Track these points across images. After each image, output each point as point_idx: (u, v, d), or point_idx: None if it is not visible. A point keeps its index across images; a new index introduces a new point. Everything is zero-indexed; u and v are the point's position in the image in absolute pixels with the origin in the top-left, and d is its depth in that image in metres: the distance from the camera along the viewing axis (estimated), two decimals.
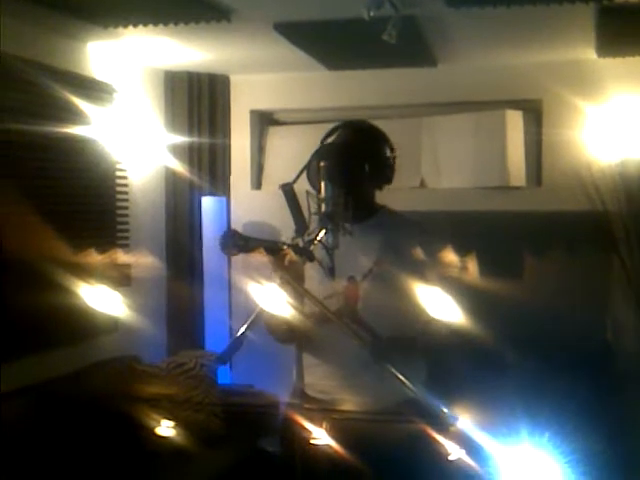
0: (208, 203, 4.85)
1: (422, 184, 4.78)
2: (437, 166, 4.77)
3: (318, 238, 1.95)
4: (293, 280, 1.87)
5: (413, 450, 2.41)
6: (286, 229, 5.05)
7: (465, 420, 2.86)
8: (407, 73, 4.64)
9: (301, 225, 1.97)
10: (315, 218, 2.13)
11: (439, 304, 2.19)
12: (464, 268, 4.07)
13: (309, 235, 1.99)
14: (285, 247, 1.88)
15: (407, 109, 4.80)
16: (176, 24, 3.49)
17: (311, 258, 1.90)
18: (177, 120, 4.77)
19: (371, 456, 2.34)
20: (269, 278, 2.54)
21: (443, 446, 2.34)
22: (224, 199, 4.92)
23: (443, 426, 2.54)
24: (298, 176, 2.35)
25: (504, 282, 4.29)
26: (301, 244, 2.01)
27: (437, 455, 2.17)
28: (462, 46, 4.19)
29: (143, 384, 3.68)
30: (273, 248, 1.91)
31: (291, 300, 2.01)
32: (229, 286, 4.96)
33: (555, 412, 3.86)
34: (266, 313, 2.48)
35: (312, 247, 1.90)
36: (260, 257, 2.00)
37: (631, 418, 4.05)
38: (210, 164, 4.84)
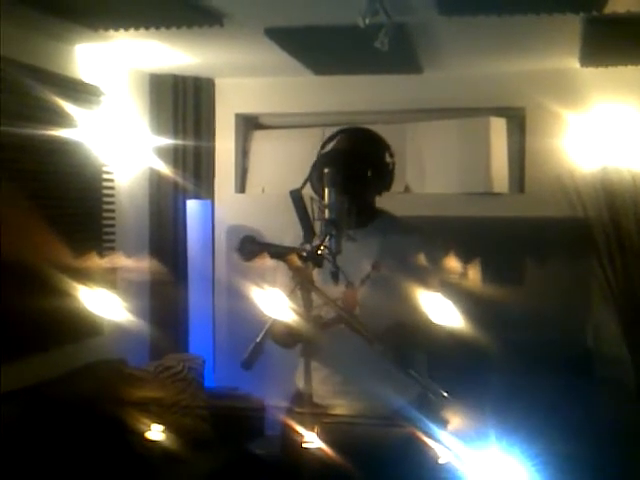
0: (193, 206, 4.85)
1: (407, 189, 4.82)
2: (422, 172, 4.82)
3: (325, 244, 1.96)
4: (309, 285, 1.88)
5: (404, 455, 2.44)
6: (269, 232, 5.07)
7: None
8: (393, 79, 4.68)
9: (308, 231, 1.99)
10: (317, 224, 2.16)
11: (437, 308, 2.22)
12: (463, 274, 4.12)
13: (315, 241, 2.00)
14: (300, 253, 1.88)
15: (392, 115, 4.85)
16: (168, 28, 3.48)
17: (320, 264, 1.92)
18: (162, 123, 4.77)
19: (362, 460, 2.36)
20: (269, 282, 2.57)
21: (433, 450, 2.38)
22: (209, 202, 4.92)
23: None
24: (305, 182, 2.36)
25: (486, 286, 4.34)
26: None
27: (427, 459, 2.21)
28: (448, 54, 4.24)
29: (131, 387, 3.67)
30: (287, 254, 1.92)
31: (299, 305, 2.03)
32: (213, 290, 4.95)
33: (533, 416, 3.94)
34: (269, 318, 2.50)
35: (320, 253, 1.91)
36: (244, 261, 2.00)
37: (609, 422, 4.11)
38: (195, 167, 4.84)
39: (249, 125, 5.20)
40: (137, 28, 3.52)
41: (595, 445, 3.86)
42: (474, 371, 4.07)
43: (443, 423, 2.82)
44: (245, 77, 4.94)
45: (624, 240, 4.27)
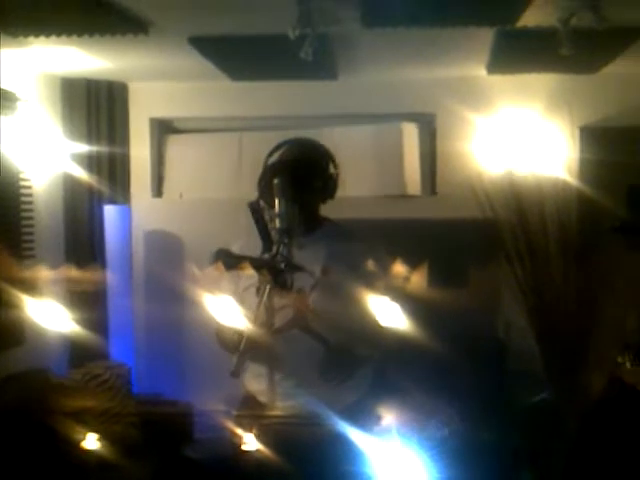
0: (111, 212, 4.81)
1: None
2: None
3: (279, 252, 2.04)
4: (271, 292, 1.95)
5: (339, 453, 2.54)
6: (188, 237, 5.10)
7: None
8: (307, 85, 4.76)
9: (267, 241, 2.06)
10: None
11: (379, 310, 2.34)
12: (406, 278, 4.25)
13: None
14: (277, 264, 1.95)
15: (308, 120, 4.93)
16: (91, 36, 3.46)
17: (283, 272, 1.99)
18: (75, 128, 4.70)
19: (299, 460, 2.43)
20: (212, 290, 2.62)
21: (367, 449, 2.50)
22: (126, 208, 4.89)
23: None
24: (261, 194, 2.43)
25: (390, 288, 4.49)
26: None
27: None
28: (363, 61, 4.36)
29: (59, 396, 3.63)
30: (258, 264, 1.98)
31: (252, 311, 2.10)
32: (132, 296, 4.93)
33: (446, 404, 4.12)
34: (218, 324, 2.56)
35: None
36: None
37: (517, 410, 4.33)
38: (110, 172, 4.78)
39: (164, 129, 5.19)
40: (59, 35, 3.48)
41: (506, 433, 4.08)
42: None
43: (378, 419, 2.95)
44: (159, 81, 4.93)
45: (531, 240, 4.48)
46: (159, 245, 5.00)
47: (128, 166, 4.91)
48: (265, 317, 1.98)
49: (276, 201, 2.15)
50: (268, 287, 1.93)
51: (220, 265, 1.93)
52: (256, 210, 2.15)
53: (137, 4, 3.10)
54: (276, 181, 2.17)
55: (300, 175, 2.45)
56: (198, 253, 4.63)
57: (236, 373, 2.06)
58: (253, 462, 2.52)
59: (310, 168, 2.57)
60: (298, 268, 2.06)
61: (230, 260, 1.92)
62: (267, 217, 2.17)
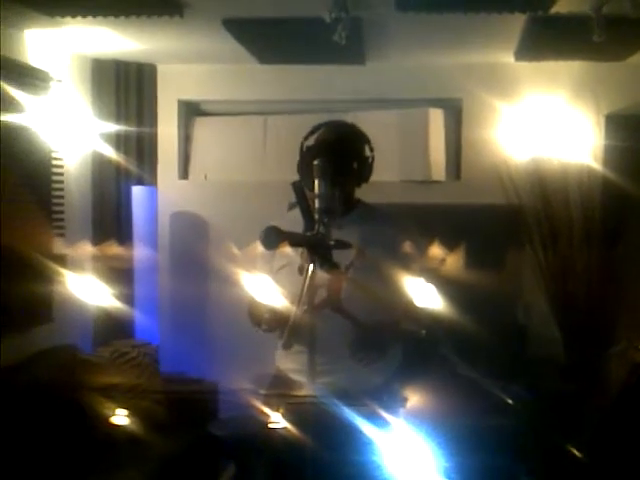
0: (137, 192, 4.86)
1: None
2: None
3: (321, 232, 2.07)
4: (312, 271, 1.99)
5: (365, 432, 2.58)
6: (213, 219, 5.15)
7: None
8: (335, 69, 4.77)
9: (310, 220, 2.09)
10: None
11: (414, 291, 2.39)
12: (443, 260, 4.29)
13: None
14: (324, 242, 1.99)
15: (333, 104, 4.95)
16: (127, 17, 3.51)
17: (328, 252, 2.03)
18: (104, 109, 4.75)
19: (327, 440, 2.47)
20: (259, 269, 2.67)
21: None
22: (153, 189, 4.95)
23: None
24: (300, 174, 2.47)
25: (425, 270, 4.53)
26: None
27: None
28: (392, 46, 4.38)
29: (88, 373, 3.70)
30: (310, 241, 2.02)
31: (287, 290, 2.14)
32: (158, 276, 4.99)
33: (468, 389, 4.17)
34: (252, 303, 2.61)
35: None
36: (267, 250, 2.10)
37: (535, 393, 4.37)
38: (137, 153, 4.84)
39: (191, 111, 5.22)
40: (96, 16, 3.53)
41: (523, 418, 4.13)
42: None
43: (402, 402, 3.00)
44: (188, 64, 4.96)
45: (555, 226, 4.52)
46: (184, 226, 5.05)
47: (155, 147, 4.95)
48: (308, 295, 2.02)
49: (316, 182, 2.18)
50: (312, 265, 1.97)
51: (264, 243, 1.97)
52: (299, 190, 2.18)
53: None
54: (316, 162, 2.20)
55: (340, 156, 2.48)
56: (223, 234, 4.73)
57: (287, 345, 2.10)
58: (279, 440, 2.57)
59: (349, 150, 2.62)
60: (346, 245, 2.10)
61: (279, 237, 1.96)
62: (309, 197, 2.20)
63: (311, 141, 2.67)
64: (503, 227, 4.60)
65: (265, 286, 2.39)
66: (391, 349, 2.70)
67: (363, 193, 2.87)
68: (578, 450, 3.66)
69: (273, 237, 1.96)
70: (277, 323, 2.46)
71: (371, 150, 2.72)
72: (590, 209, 4.47)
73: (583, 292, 4.49)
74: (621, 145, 4.52)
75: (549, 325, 4.59)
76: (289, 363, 2.74)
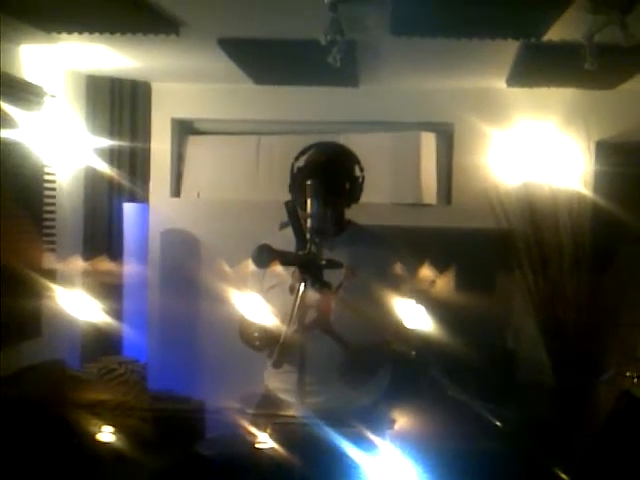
0: (129, 209, 4.86)
1: None
2: None
3: (313, 252, 2.08)
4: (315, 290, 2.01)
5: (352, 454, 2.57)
6: (203, 236, 5.14)
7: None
8: (327, 91, 4.81)
9: (302, 240, 2.10)
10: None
11: (405, 312, 2.40)
12: (432, 282, 4.30)
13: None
14: (318, 261, 2.00)
15: (326, 126, 4.98)
16: (123, 34, 3.53)
17: (319, 271, 2.04)
18: (98, 125, 4.77)
19: (314, 461, 2.47)
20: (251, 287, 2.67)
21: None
22: (145, 206, 4.95)
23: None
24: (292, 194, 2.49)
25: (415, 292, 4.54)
26: None
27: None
28: (386, 69, 4.42)
29: (75, 389, 3.68)
30: (301, 260, 2.03)
31: (277, 309, 2.14)
32: (147, 293, 4.98)
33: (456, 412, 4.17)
34: (242, 322, 2.61)
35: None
36: (259, 268, 2.11)
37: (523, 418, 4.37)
38: (130, 171, 4.85)
39: (184, 130, 5.25)
40: (92, 33, 3.55)
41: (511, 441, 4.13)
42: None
43: (390, 424, 3.00)
44: (182, 82, 4.99)
45: (545, 251, 4.55)
46: (175, 244, 5.06)
47: (148, 165, 4.97)
48: (298, 315, 2.02)
49: (308, 202, 2.19)
50: (302, 285, 1.98)
51: (256, 261, 1.98)
52: (292, 209, 2.20)
53: (172, 5, 3.15)
54: (309, 182, 2.21)
55: (331, 176, 2.50)
56: (214, 253, 4.74)
57: (277, 364, 2.10)
58: (265, 461, 2.57)
59: (340, 170, 2.64)
60: (337, 265, 2.11)
61: (271, 256, 1.97)
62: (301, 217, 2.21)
63: (302, 162, 2.69)
64: (493, 251, 4.62)
65: (255, 305, 2.40)
66: (380, 371, 2.70)
67: (355, 214, 2.88)
68: (566, 475, 3.65)
69: (265, 255, 1.97)
70: (267, 342, 2.46)
71: (361, 170, 2.74)
72: (580, 235, 4.50)
73: (572, 317, 4.51)
74: (611, 171, 4.56)
75: (538, 349, 4.61)
76: (278, 382, 2.74)
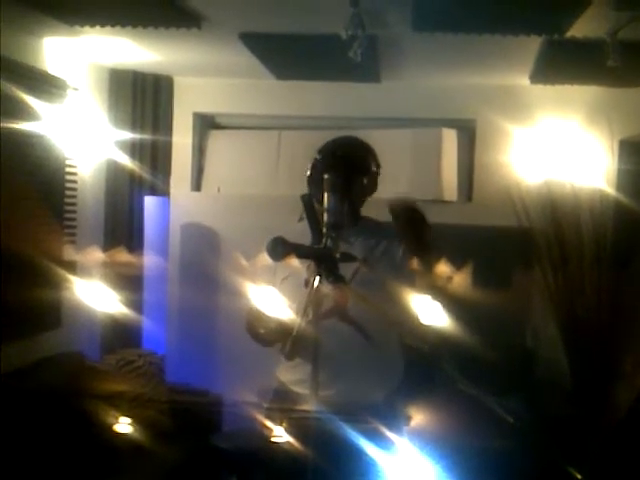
0: (150, 202, 4.89)
1: None
2: None
3: (329, 246, 2.09)
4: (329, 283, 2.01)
5: (367, 449, 2.57)
6: (224, 231, 5.16)
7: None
8: (349, 86, 4.81)
9: (317, 234, 2.11)
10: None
11: (420, 307, 2.39)
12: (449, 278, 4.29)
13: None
14: (332, 255, 2.01)
15: (348, 121, 4.97)
16: (145, 27, 3.54)
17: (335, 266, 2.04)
18: (120, 119, 4.80)
19: (329, 455, 2.46)
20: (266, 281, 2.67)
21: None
22: (165, 199, 4.97)
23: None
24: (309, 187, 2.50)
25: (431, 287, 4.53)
26: None
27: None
28: (407, 65, 4.42)
29: (94, 380, 3.70)
30: (315, 253, 2.03)
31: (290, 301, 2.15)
32: (167, 287, 5.01)
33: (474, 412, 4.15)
34: (251, 315, 2.61)
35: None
36: (274, 261, 2.11)
37: (540, 417, 4.35)
38: (152, 164, 4.88)
39: (206, 124, 5.27)
40: (114, 26, 3.56)
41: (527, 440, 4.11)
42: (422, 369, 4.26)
43: (406, 420, 2.99)
44: (204, 77, 5.01)
45: (565, 249, 4.51)
46: (195, 237, 5.08)
47: (169, 159, 4.99)
48: (312, 307, 2.03)
49: (325, 196, 2.19)
50: (318, 278, 1.98)
51: (270, 254, 1.98)
52: (308, 203, 2.20)
53: None
54: (326, 176, 2.21)
55: (350, 171, 2.51)
56: (233, 247, 4.72)
57: (290, 356, 2.10)
58: (281, 455, 2.57)
59: (359, 165, 2.64)
60: (352, 258, 2.11)
61: (285, 248, 1.97)
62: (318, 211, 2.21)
63: (322, 155, 2.68)
64: (513, 249, 4.59)
65: (268, 297, 2.40)
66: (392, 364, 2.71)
67: (374, 210, 2.88)
68: (581, 473, 3.63)
69: (279, 248, 1.97)
70: (276, 335, 2.46)
71: (377, 166, 2.74)
72: (601, 233, 4.45)
73: (592, 316, 4.47)
74: (634, 170, 4.52)
75: (557, 348, 4.57)
76: (290, 375, 2.74)
